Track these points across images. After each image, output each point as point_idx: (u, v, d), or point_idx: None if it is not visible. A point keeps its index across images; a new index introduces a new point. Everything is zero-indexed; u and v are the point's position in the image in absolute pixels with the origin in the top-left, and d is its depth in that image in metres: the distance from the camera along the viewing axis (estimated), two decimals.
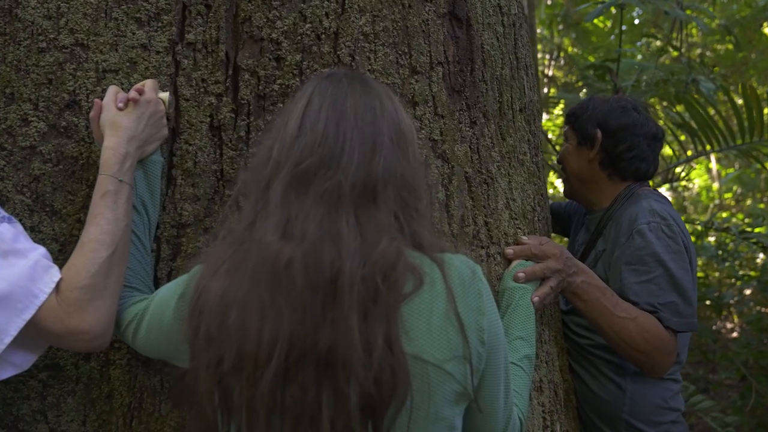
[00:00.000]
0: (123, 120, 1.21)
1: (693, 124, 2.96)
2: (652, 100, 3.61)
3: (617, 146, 1.81)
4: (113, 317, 1.12)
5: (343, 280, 0.84)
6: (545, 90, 8.10)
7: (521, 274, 1.35)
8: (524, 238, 1.45)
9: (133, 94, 1.23)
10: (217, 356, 0.88)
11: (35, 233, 1.29)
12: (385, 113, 0.97)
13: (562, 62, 9.04)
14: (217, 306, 0.89)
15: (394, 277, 0.87)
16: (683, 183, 7.31)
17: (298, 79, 1.33)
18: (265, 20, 1.34)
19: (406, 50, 1.37)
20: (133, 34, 1.33)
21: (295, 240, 0.87)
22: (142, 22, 1.33)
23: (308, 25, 1.33)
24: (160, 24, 1.34)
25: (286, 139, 0.95)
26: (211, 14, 1.36)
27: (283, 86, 1.33)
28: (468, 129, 1.40)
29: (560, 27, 8.65)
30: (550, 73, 8.73)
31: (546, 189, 1.74)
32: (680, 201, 7.83)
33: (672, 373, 1.75)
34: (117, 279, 1.13)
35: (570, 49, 9.25)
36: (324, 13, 1.34)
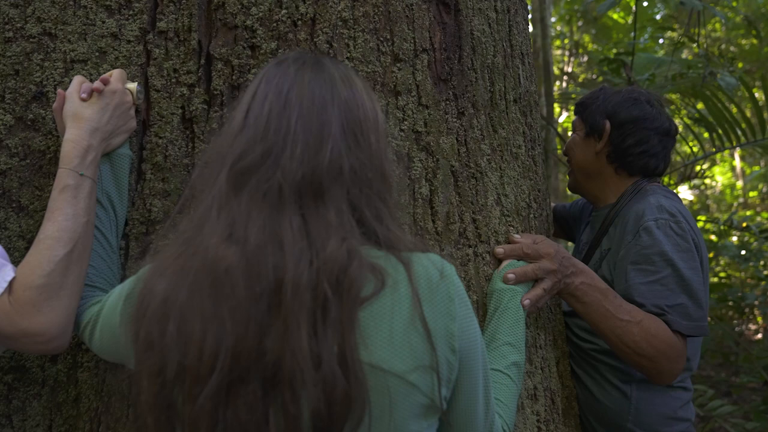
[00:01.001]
0: (86, 111, 1.14)
1: (710, 119, 2.81)
2: (671, 95, 3.46)
3: (626, 139, 1.70)
4: (72, 318, 1.05)
5: (286, 289, 0.76)
6: (563, 85, 7.91)
7: (511, 275, 1.24)
8: (516, 236, 1.34)
9: (97, 84, 1.16)
10: (158, 365, 0.80)
11: (1, 230, 1.22)
12: (338, 100, 0.87)
13: (584, 58, 8.82)
14: (159, 311, 0.81)
15: (347, 282, 0.78)
16: (706, 181, 7.08)
17: None
18: (239, 6, 1.26)
19: (388, 37, 1.27)
20: (103, 22, 1.26)
21: (239, 244, 0.79)
22: (112, 10, 1.26)
23: (284, 11, 1.25)
24: (131, 12, 1.26)
25: (231, 135, 0.87)
26: (183, 1, 1.28)
27: None
28: (455, 120, 1.30)
29: (580, 23, 8.45)
30: (570, 70, 8.53)
31: (545, 185, 1.63)
32: (703, 199, 7.59)
33: (681, 380, 1.63)
34: (76, 278, 1.06)
35: (590, 46, 9.03)
36: None
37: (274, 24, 1.25)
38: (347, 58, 1.24)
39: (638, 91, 1.80)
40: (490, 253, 1.30)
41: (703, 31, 3.28)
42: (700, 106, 2.96)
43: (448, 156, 1.28)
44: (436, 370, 0.84)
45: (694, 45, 3.25)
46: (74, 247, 1.06)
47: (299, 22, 1.25)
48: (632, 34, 6.17)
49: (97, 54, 1.25)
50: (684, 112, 3.23)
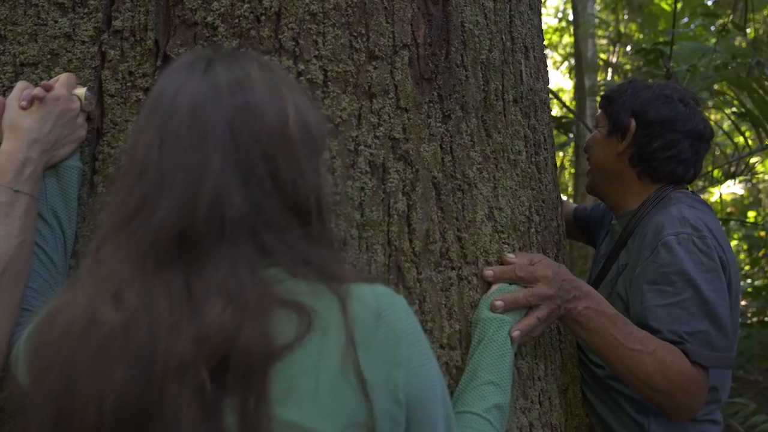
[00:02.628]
0: (24, 121, 1.03)
1: (755, 112, 2.53)
2: (717, 87, 3.16)
3: (652, 142, 1.48)
4: (1, 345, 0.94)
5: (159, 368, 0.62)
6: (608, 77, 7.51)
7: (499, 303, 1.07)
8: (510, 255, 1.16)
9: (37, 91, 1.04)
10: (39, 414, 0.68)
11: None
12: (223, 120, 0.71)
13: (629, 48, 8.37)
14: (43, 358, 0.69)
15: (240, 349, 0.65)
16: (758, 175, 6.62)
17: None
18: (200, 2, 1.12)
19: (363, 31, 1.11)
20: (56, 22, 1.14)
21: (120, 307, 0.66)
22: (65, 8, 1.14)
23: (246, 5, 1.10)
24: (86, 10, 1.14)
25: (119, 173, 0.74)
26: None
27: None
28: (439, 125, 1.13)
29: (625, 11, 8.01)
30: (615, 60, 8.10)
31: (554, 192, 1.44)
32: (755, 193, 7.12)
33: (708, 412, 1.42)
34: (8, 304, 0.95)
35: (637, 35, 8.56)
36: None
37: (236, 20, 1.10)
38: (315, 56, 1.09)
39: (672, 87, 1.57)
40: (478, 275, 1.13)
41: (753, 17, 2.96)
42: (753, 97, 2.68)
43: (430, 166, 1.11)
44: (372, 428, 0.69)
45: (741, 33, 2.95)
46: (5, 270, 0.95)
47: (263, 18, 1.10)
48: (682, 20, 5.75)
49: (48, 56, 1.13)
50: (731, 106, 2.94)
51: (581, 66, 4.81)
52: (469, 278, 1.11)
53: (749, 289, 5.12)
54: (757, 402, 4.81)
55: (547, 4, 10.70)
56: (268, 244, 0.73)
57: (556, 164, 1.54)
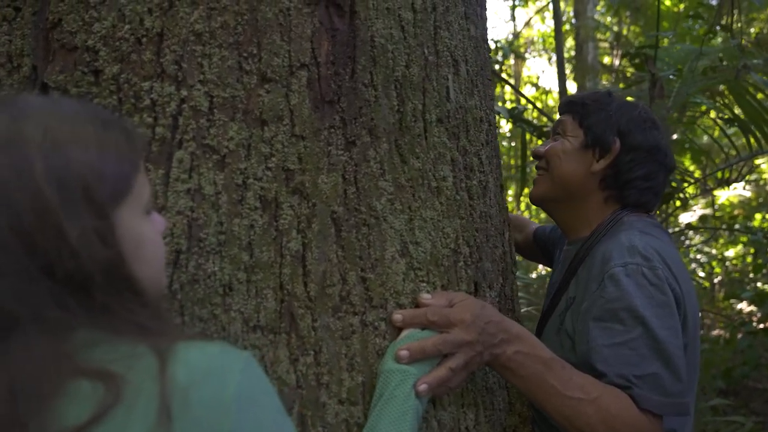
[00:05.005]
0: None
1: (742, 116, 2.35)
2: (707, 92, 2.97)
3: (633, 169, 1.33)
4: None
5: None
6: (605, 83, 7.28)
7: (403, 352, 0.93)
8: (426, 296, 1.02)
9: None
10: None
11: None
12: None
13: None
14: None
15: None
16: (765, 177, 6.35)
17: (115, 97, 0.98)
18: (80, 23, 1.00)
19: (255, 51, 0.98)
20: None
21: None
22: None
23: (127, 27, 0.98)
24: None
25: None
26: (18, 19, 1.04)
27: (101, 107, 0.98)
28: (341, 152, 1.00)
29: (628, 14, 7.76)
30: (618, 63, 7.84)
31: (499, 218, 1.29)
32: (763, 194, 6.84)
33: None
34: None
35: (642, 38, 8.29)
36: (146, 9, 0.98)
37: (117, 43, 0.98)
38: (200, 81, 0.96)
39: (651, 112, 1.43)
40: (387, 320, 0.99)
41: (736, 23, 2.77)
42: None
43: (329, 199, 0.97)
44: None
45: (728, 34, 2.76)
46: None
47: (144, 39, 0.97)
48: (687, 23, 5.54)
49: None
50: (720, 111, 2.75)
51: (562, 68, 4.61)
52: (376, 324, 0.97)
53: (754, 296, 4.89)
54: (765, 411, 4.57)
55: (550, 7, 10.50)
56: (71, 304, 0.61)
57: (501, 186, 1.39)
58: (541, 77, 10.67)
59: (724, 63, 2.67)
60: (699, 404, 2.93)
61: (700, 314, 1.39)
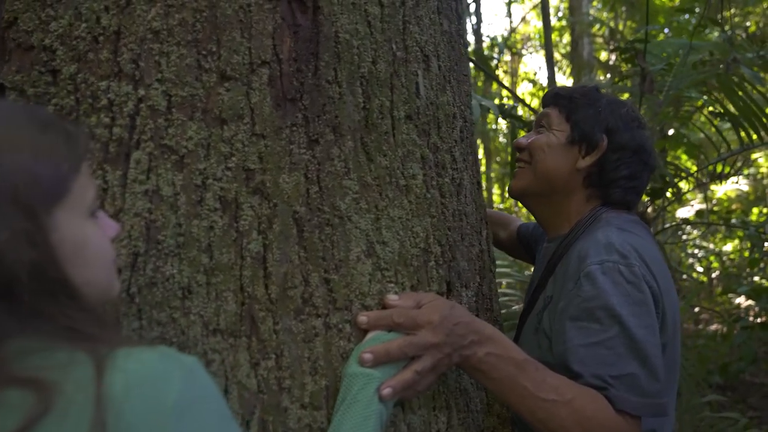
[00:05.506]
0: None
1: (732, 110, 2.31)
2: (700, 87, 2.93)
3: (619, 168, 1.30)
4: None
5: None
6: (606, 77, 7.23)
7: (367, 355, 0.90)
8: (393, 297, 0.99)
9: None
10: None
11: None
12: None
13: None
14: None
15: None
16: (762, 169, 6.31)
17: (73, 98, 0.95)
18: (36, 22, 0.98)
19: (214, 49, 0.95)
20: None
21: None
22: None
23: (84, 25, 0.95)
24: None
25: None
26: None
27: (59, 107, 0.96)
28: (303, 151, 0.97)
29: (624, 8, 7.70)
30: (614, 58, 7.79)
31: (471, 218, 1.26)
32: (760, 188, 6.79)
33: None
34: None
35: (639, 35, 8.23)
36: (103, 7, 0.95)
37: (74, 42, 0.96)
38: (157, 79, 0.93)
39: (636, 109, 1.41)
40: (352, 322, 0.96)
41: (727, 13, 2.74)
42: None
43: (291, 199, 0.95)
44: None
45: (716, 27, 2.73)
46: None
47: (101, 38, 0.95)
48: (680, 17, 5.49)
49: None
50: (709, 105, 2.72)
51: (552, 64, 4.57)
52: (340, 326, 0.95)
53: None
54: (762, 406, 4.54)
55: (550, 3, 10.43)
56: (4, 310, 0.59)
57: (479, 183, 1.36)
58: (538, 73, 10.64)
59: (716, 57, 2.64)
60: (694, 400, 2.91)
61: (680, 312, 1.36)
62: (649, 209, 2.98)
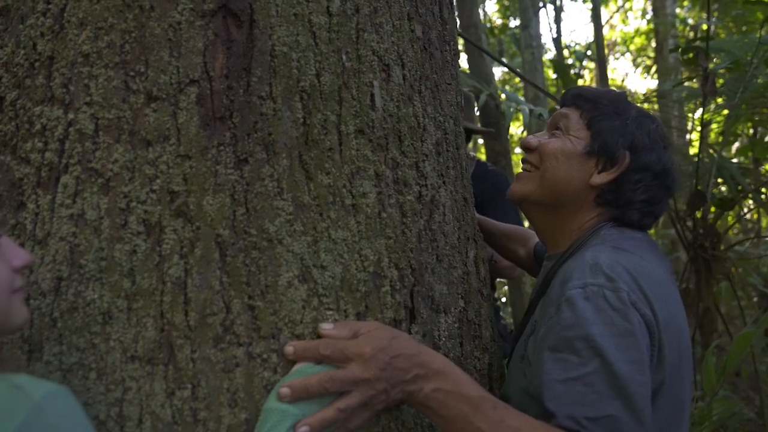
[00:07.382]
0: None
1: None
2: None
3: (639, 190, 1.15)
4: None
5: None
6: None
7: (284, 390, 0.82)
8: (326, 326, 0.91)
9: None
10: None
11: None
12: None
13: None
14: None
15: None
16: None
17: (13, 124, 0.96)
18: None
19: (142, 69, 0.93)
20: None
21: None
22: None
23: (22, 52, 0.96)
24: None
25: None
26: None
27: (2, 134, 0.97)
28: (230, 171, 0.91)
29: (715, 5, 7.08)
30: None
31: (452, 237, 1.15)
32: None
33: None
34: None
35: (736, 33, 7.54)
36: (39, 33, 0.96)
37: (15, 69, 0.97)
38: (86, 103, 0.92)
39: (663, 127, 1.24)
40: (279, 352, 0.89)
41: None
42: None
43: (214, 222, 0.89)
44: None
45: None
46: None
47: (37, 64, 0.95)
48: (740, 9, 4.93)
49: None
50: None
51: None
52: (264, 356, 0.88)
53: None
54: None
55: (634, 5, 9.89)
56: None
57: (466, 198, 1.25)
58: (626, 80, 10.05)
59: None
60: None
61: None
62: (719, 221, 2.65)
